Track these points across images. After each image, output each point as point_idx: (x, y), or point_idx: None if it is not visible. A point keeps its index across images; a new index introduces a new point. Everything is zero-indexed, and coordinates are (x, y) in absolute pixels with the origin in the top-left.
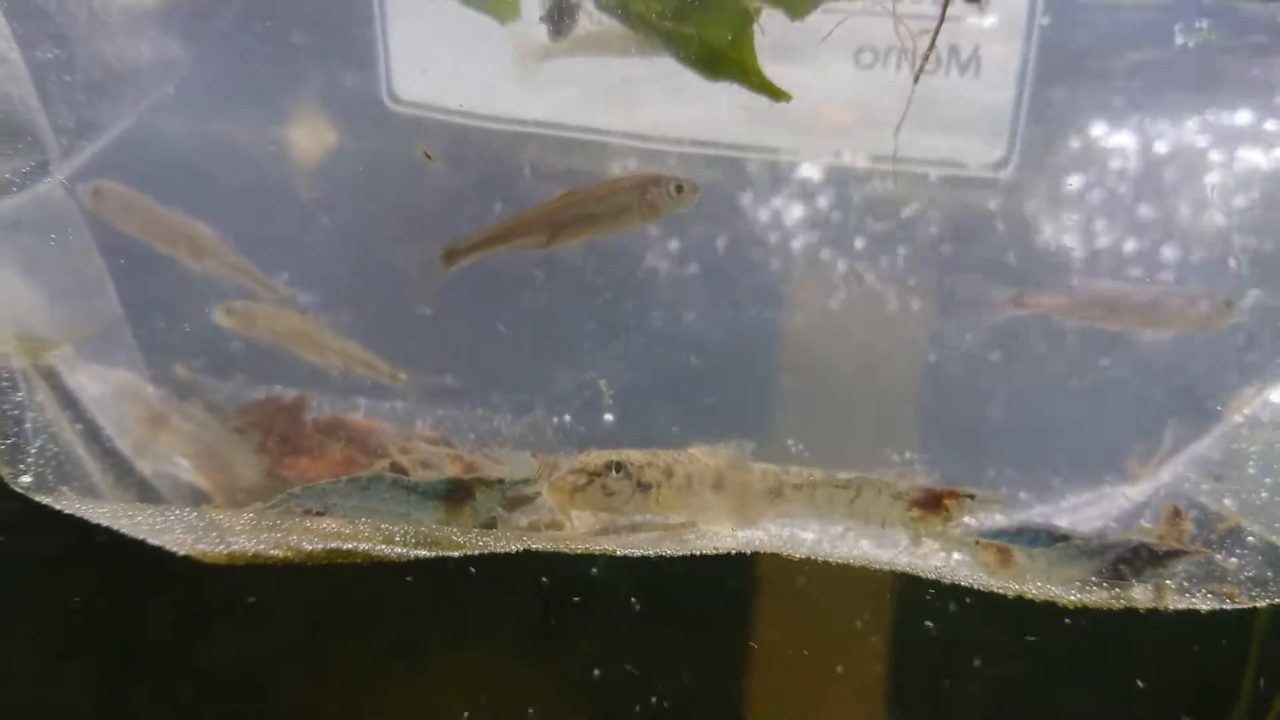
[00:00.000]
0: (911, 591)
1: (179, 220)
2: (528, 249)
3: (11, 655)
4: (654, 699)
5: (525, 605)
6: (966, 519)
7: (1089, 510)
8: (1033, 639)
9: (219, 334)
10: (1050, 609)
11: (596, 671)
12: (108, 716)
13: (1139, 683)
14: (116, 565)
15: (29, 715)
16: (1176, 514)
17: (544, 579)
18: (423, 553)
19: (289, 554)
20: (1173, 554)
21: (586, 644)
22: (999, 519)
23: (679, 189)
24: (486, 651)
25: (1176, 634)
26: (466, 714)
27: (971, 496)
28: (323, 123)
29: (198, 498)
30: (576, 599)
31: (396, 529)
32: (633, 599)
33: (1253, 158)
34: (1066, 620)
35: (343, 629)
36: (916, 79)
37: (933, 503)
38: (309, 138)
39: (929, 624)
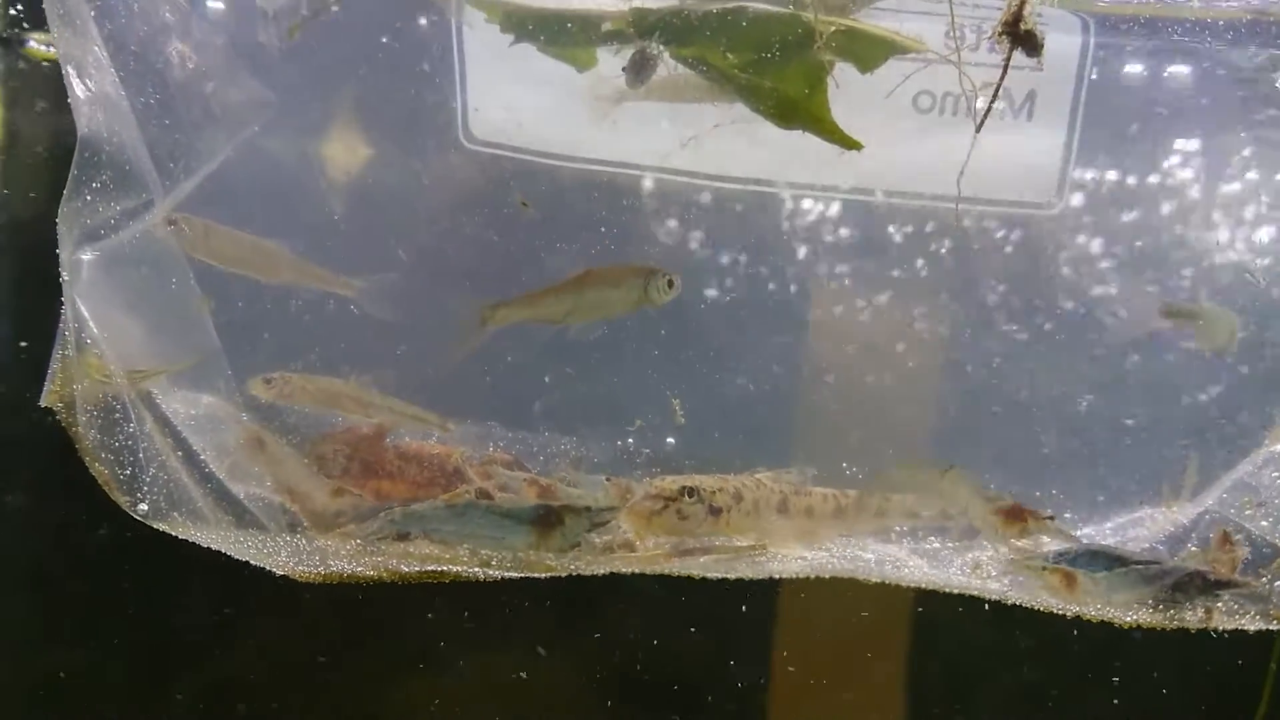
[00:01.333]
0: (931, 598)
1: (252, 239)
2: (549, 323)
3: (47, 654)
4: (674, 702)
5: (544, 609)
6: (1033, 540)
7: (1134, 531)
8: (1051, 646)
9: (299, 361)
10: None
11: (615, 675)
12: (139, 714)
13: (1160, 690)
14: (149, 571)
15: (63, 712)
16: (1226, 539)
17: (562, 583)
18: (514, 574)
19: (383, 574)
20: (1225, 584)
21: (604, 648)
22: (1054, 543)
23: (670, 284)
24: (505, 655)
25: (1197, 640)
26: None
27: (1051, 518)
28: (358, 137)
29: (289, 519)
30: (594, 602)
31: (493, 554)
32: (653, 604)
33: None
34: (1081, 629)
35: (363, 633)
36: (979, 128)
37: (1016, 515)
38: (346, 152)
39: (948, 630)
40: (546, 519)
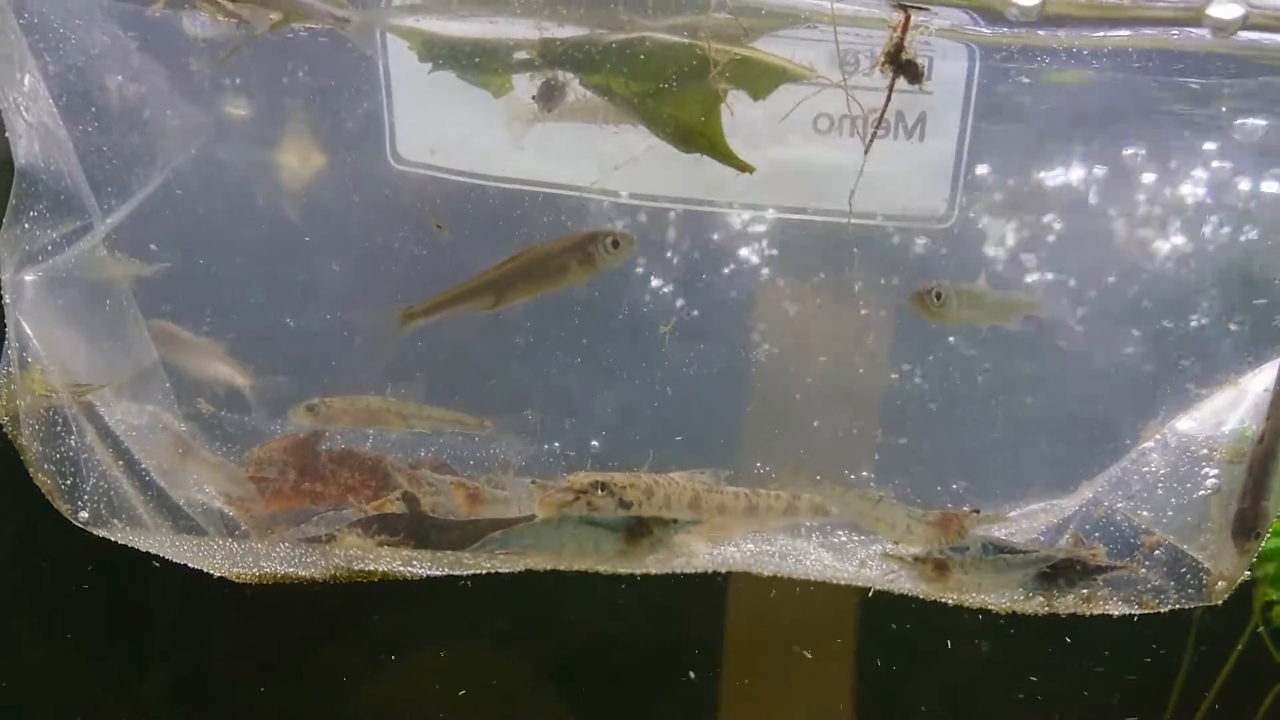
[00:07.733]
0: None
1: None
2: (477, 311)
3: (24, 650)
4: (631, 690)
5: (507, 600)
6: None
7: (1024, 523)
8: (995, 624)
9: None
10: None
11: (571, 666)
12: (114, 708)
13: (1090, 665)
14: (122, 565)
15: (42, 708)
16: (1077, 541)
17: (521, 578)
18: (436, 572)
19: (315, 574)
20: (1099, 569)
21: (565, 638)
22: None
23: (615, 244)
24: (470, 645)
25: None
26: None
27: (977, 512)
28: (312, 149)
29: (228, 524)
30: (552, 596)
31: (419, 554)
32: (607, 597)
33: (1177, 203)
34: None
35: (330, 623)
36: (868, 149)
37: (948, 523)
38: (300, 160)
39: (895, 610)
40: (636, 530)
